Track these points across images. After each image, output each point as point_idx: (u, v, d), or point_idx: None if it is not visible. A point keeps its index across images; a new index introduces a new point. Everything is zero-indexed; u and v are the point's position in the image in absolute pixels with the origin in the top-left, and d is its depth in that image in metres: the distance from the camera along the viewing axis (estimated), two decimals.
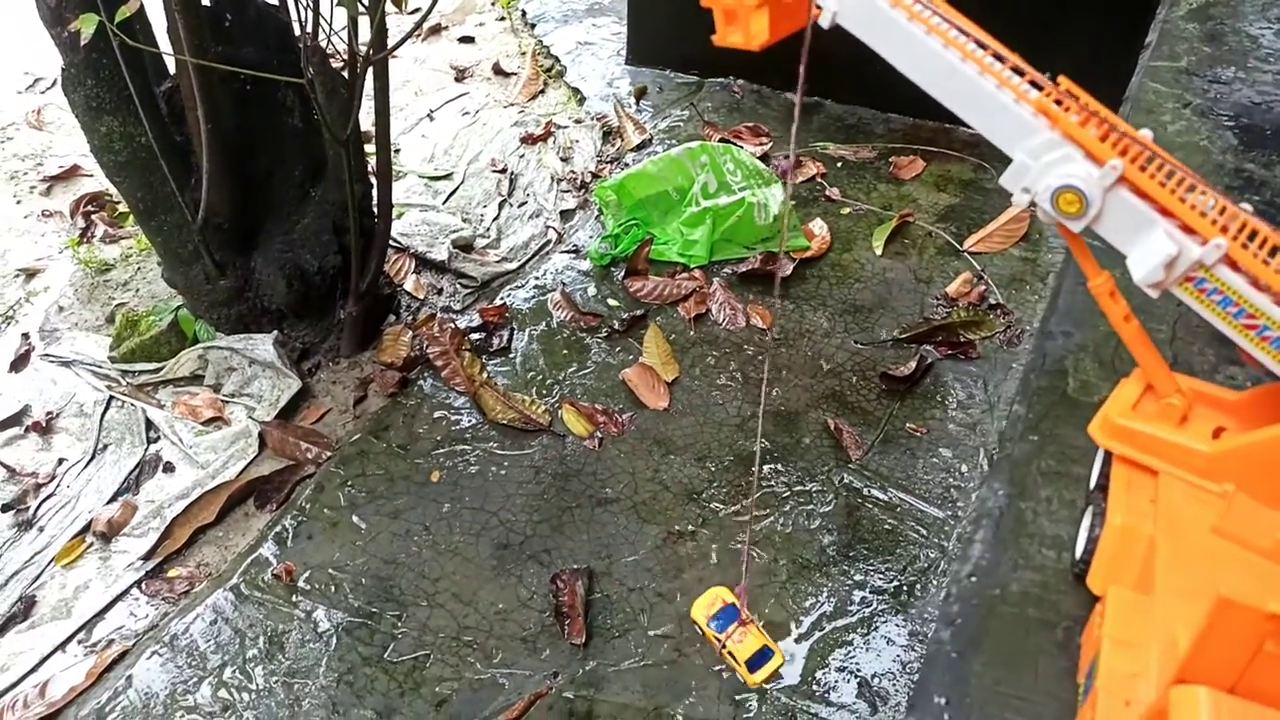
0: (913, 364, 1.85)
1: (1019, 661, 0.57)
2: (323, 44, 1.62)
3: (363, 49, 1.58)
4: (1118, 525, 0.58)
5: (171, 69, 1.70)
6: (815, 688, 1.35)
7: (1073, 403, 0.74)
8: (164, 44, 1.65)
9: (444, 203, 2.44)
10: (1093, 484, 0.65)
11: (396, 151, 2.63)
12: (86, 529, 1.62)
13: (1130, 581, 0.56)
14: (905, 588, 1.50)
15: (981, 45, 0.59)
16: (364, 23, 1.56)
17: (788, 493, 1.64)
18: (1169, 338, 0.76)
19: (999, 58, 0.58)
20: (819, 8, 0.62)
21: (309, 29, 1.57)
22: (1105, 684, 0.49)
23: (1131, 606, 0.54)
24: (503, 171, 2.55)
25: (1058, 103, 0.57)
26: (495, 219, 2.39)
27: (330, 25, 1.63)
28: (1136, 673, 0.49)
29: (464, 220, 2.37)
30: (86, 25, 1.30)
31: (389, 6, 1.55)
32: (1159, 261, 0.54)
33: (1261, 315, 0.54)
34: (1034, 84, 0.57)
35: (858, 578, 1.51)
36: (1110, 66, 2.36)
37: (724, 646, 1.02)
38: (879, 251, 2.18)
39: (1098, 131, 0.56)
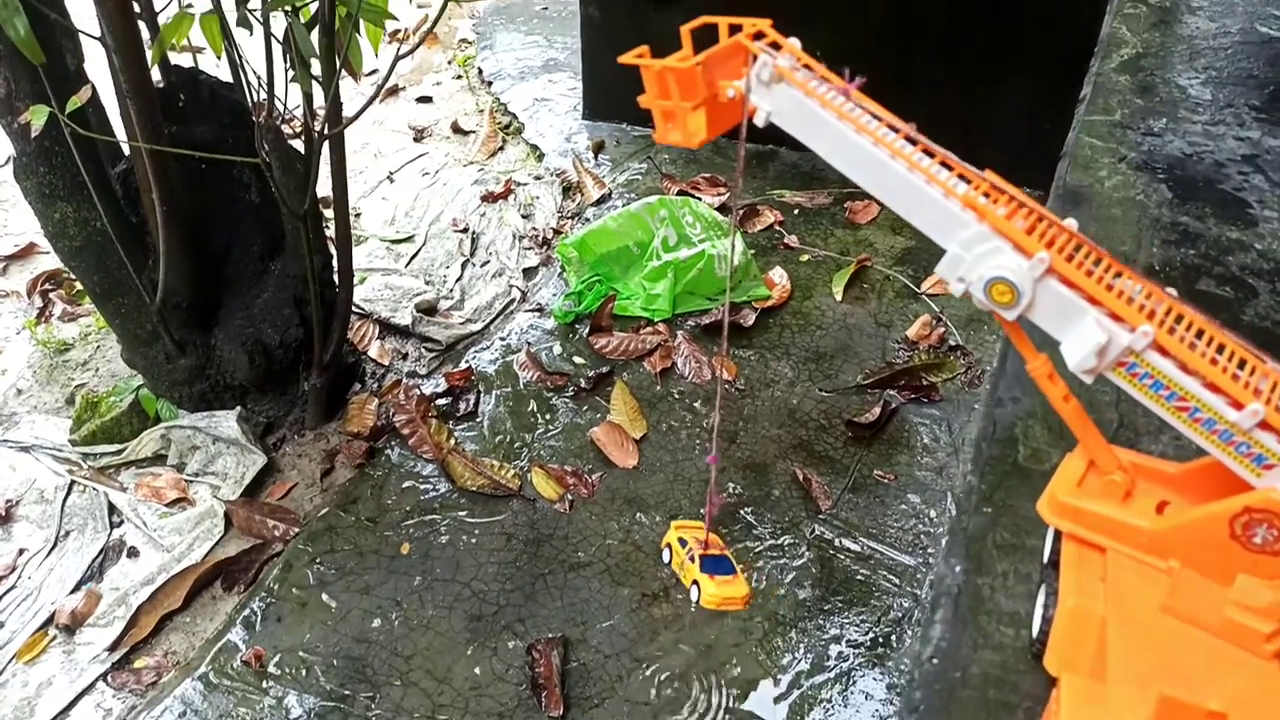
0: (877, 410, 1.87)
1: None
2: (277, 119, 1.63)
3: (318, 120, 1.59)
4: (1069, 607, 0.59)
5: (126, 150, 1.70)
6: None
7: (1024, 472, 0.76)
8: (118, 125, 1.65)
9: (406, 265, 2.45)
10: (1045, 558, 0.66)
11: (357, 216, 2.63)
12: (49, 621, 1.58)
13: (1084, 665, 0.57)
14: (881, 639, 1.50)
15: (911, 141, 0.60)
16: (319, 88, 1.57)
17: (761, 547, 1.64)
18: (1115, 400, 0.78)
19: (929, 153, 0.60)
20: (755, 107, 0.63)
21: (263, 108, 1.58)
22: None
23: (1085, 695, 0.55)
24: (464, 231, 2.56)
25: (986, 195, 0.59)
26: (458, 279, 2.40)
27: (285, 102, 1.65)
28: None
29: (427, 282, 2.37)
30: (37, 117, 1.30)
31: (346, 79, 1.56)
32: (1090, 349, 0.55)
33: (1191, 398, 0.55)
34: (963, 177, 0.59)
35: (833, 631, 1.51)
36: (1052, 119, 2.42)
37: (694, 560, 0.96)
38: (839, 297, 2.21)
39: (1025, 224, 0.58)
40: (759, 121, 0.64)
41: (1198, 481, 0.61)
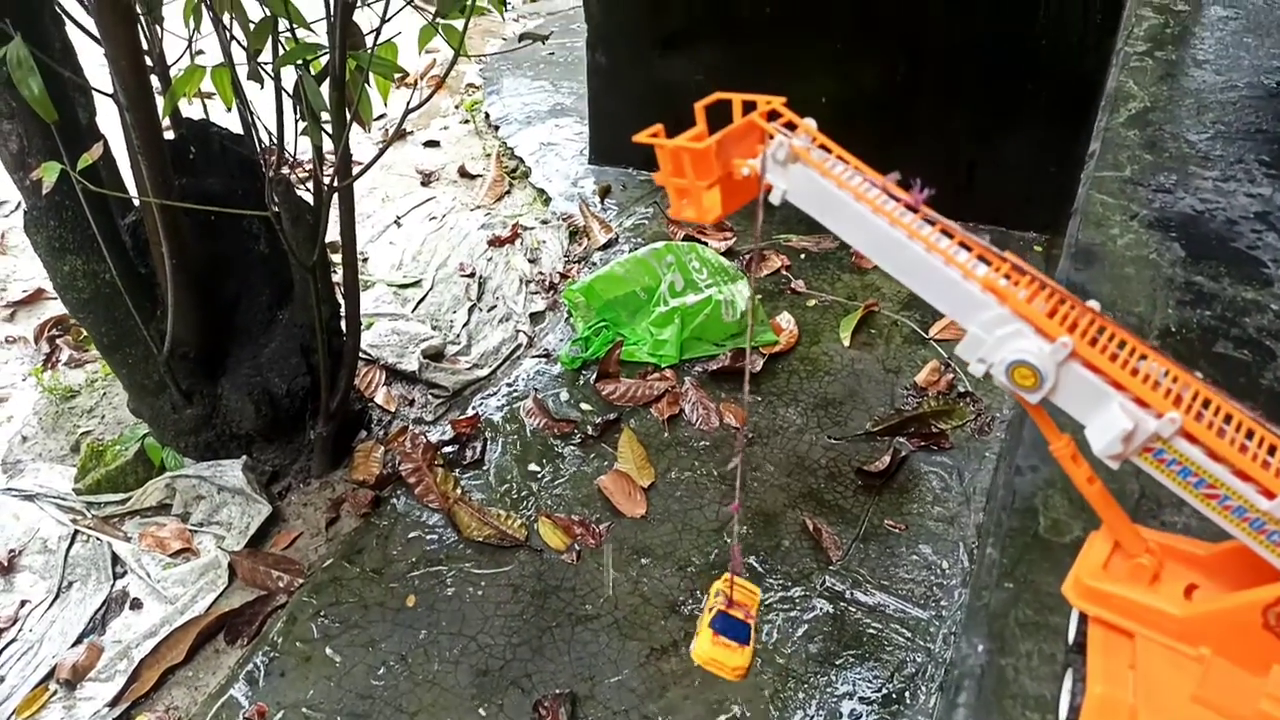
0: (887, 458, 1.85)
1: None
2: (286, 171, 1.63)
3: (328, 172, 1.60)
4: (1098, 695, 0.57)
5: (137, 202, 1.70)
6: None
7: (1045, 544, 0.74)
8: (128, 177, 1.66)
9: (413, 310, 2.45)
10: (1070, 639, 0.65)
11: (364, 260, 2.64)
12: (50, 675, 1.56)
13: None
14: (894, 695, 1.47)
15: (930, 221, 0.60)
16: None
17: (772, 598, 1.62)
18: (1136, 470, 0.76)
19: (947, 233, 0.59)
20: (770, 185, 0.63)
21: (273, 161, 1.59)
22: None
23: None
24: (471, 275, 2.57)
25: (1007, 277, 0.58)
26: (465, 324, 2.40)
27: (294, 153, 1.66)
28: None
29: (434, 327, 2.37)
30: (48, 175, 1.31)
31: (355, 127, 1.57)
32: (1116, 436, 0.54)
33: (1220, 485, 0.54)
34: (982, 258, 0.59)
35: (845, 688, 1.48)
36: (1057, 163, 2.44)
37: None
38: (846, 343, 2.20)
39: (1047, 306, 0.57)
40: (774, 200, 0.64)
41: (1228, 564, 0.60)
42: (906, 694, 1.48)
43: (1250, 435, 0.55)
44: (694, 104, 0.66)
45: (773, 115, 0.65)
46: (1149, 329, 0.95)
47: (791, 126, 0.64)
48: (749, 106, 0.66)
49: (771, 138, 0.62)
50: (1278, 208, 1.16)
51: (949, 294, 0.59)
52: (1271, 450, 0.54)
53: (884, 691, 1.48)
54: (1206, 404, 0.56)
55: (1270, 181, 1.22)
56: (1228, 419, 0.55)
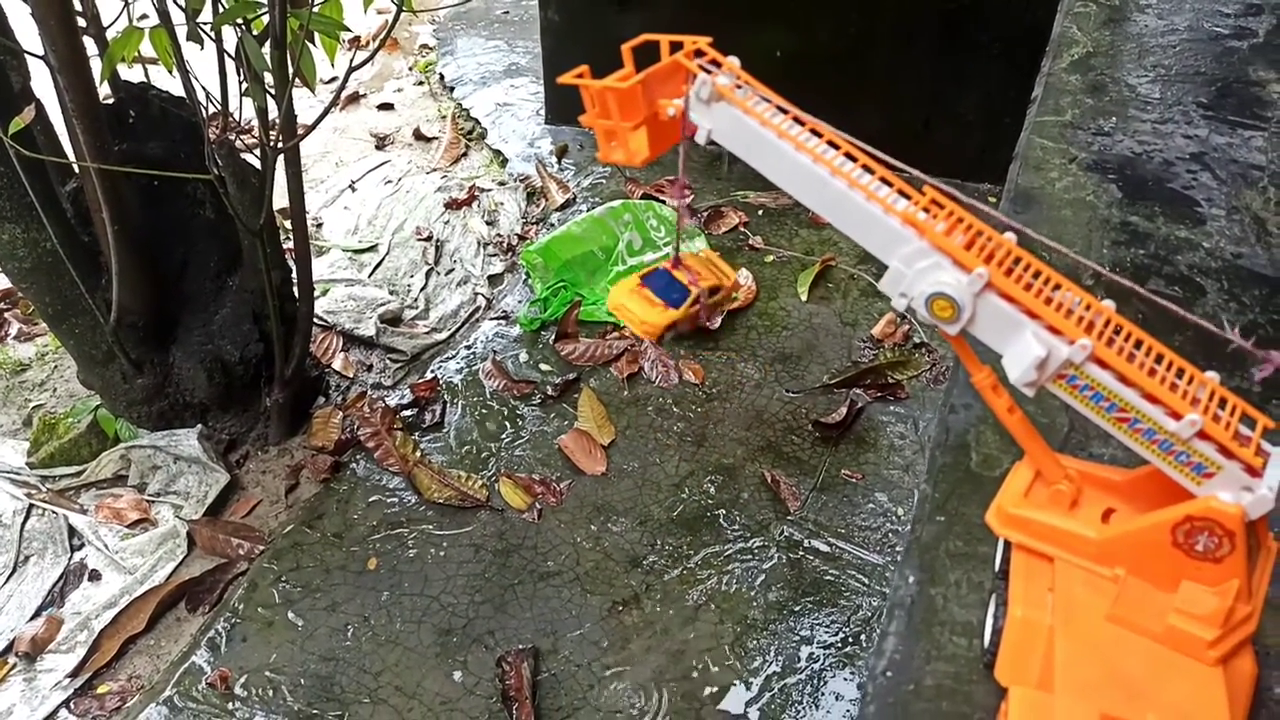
0: (844, 409, 1.87)
1: None
2: (232, 133, 1.60)
3: (273, 134, 1.57)
4: (1018, 617, 0.59)
5: (76, 168, 1.67)
6: None
7: (976, 479, 0.76)
8: (67, 143, 1.62)
9: (369, 275, 2.42)
10: (997, 566, 0.66)
11: (318, 226, 2.61)
12: (9, 649, 1.56)
13: (1033, 676, 0.57)
14: (851, 639, 1.51)
15: (851, 158, 0.60)
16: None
17: (730, 550, 1.64)
18: (1065, 404, 0.78)
19: (868, 170, 0.60)
20: (695, 126, 0.63)
21: (216, 122, 1.56)
22: None
23: (1033, 707, 0.55)
24: (428, 239, 2.54)
25: (926, 211, 0.59)
26: (423, 288, 2.38)
27: (239, 116, 1.62)
28: None
29: (391, 292, 2.35)
30: None
31: (301, 89, 1.54)
32: (1030, 363, 0.56)
33: (1131, 409, 0.56)
34: (902, 193, 0.59)
35: (804, 633, 1.51)
36: (1011, 114, 2.44)
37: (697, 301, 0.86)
38: (804, 297, 2.22)
39: (964, 238, 0.58)
40: (700, 140, 0.64)
41: (1143, 488, 0.62)
42: (862, 637, 1.51)
43: (1159, 359, 0.56)
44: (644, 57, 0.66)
45: (698, 56, 0.65)
46: (1083, 269, 0.96)
47: (717, 65, 0.64)
48: (676, 47, 0.66)
49: (695, 76, 0.62)
50: (1213, 149, 1.18)
51: (872, 230, 0.59)
52: (1180, 373, 0.56)
53: (841, 635, 1.51)
54: (1118, 330, 0.57)
55: (1206, 123, 1.24)
56: (1138, 344, 0.57)
